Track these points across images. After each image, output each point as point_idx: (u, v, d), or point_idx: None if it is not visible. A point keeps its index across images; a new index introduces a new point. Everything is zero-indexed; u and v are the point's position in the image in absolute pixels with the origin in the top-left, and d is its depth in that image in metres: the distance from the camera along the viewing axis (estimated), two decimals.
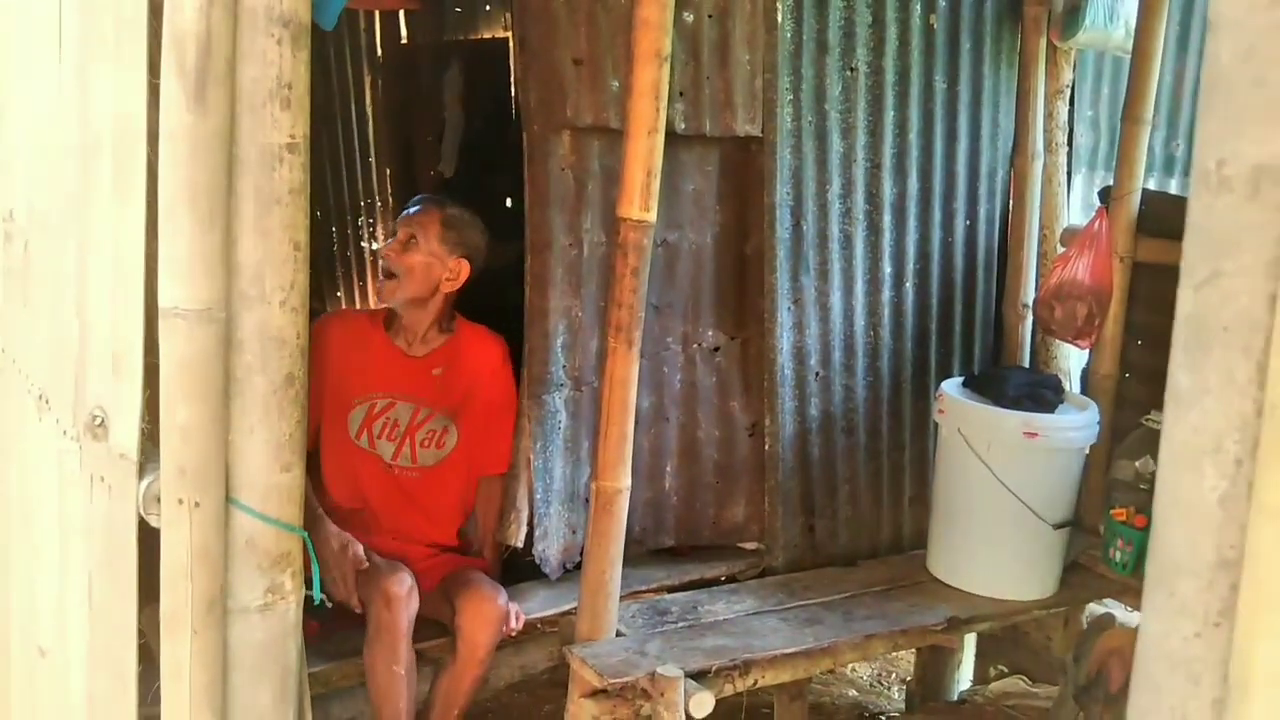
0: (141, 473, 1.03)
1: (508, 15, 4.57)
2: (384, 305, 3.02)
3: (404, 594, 2.61)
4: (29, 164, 1.30)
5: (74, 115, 1.12)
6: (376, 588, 2.61)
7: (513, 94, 4.78)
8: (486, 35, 5.13)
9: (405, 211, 2.91)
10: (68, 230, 1.14)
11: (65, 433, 1.17)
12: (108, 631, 1.10)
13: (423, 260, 2.80)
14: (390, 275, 2.83)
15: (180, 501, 1.00)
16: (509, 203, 5.40)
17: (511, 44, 4.32)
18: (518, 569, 3.05)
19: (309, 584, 1.45)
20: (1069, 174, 3.66)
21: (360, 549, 2.69)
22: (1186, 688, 0.57)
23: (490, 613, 2.70)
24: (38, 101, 1.26)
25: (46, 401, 1.25)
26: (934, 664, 3.68)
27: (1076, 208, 3.72)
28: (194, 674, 1.01)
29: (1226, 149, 0.53)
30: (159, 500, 1.01)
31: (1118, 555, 3.16)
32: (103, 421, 1.07)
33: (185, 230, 0.96)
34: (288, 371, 1.04)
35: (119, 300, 1.03)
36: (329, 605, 2.65)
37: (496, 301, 3.46)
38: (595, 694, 2.57)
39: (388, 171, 5.37)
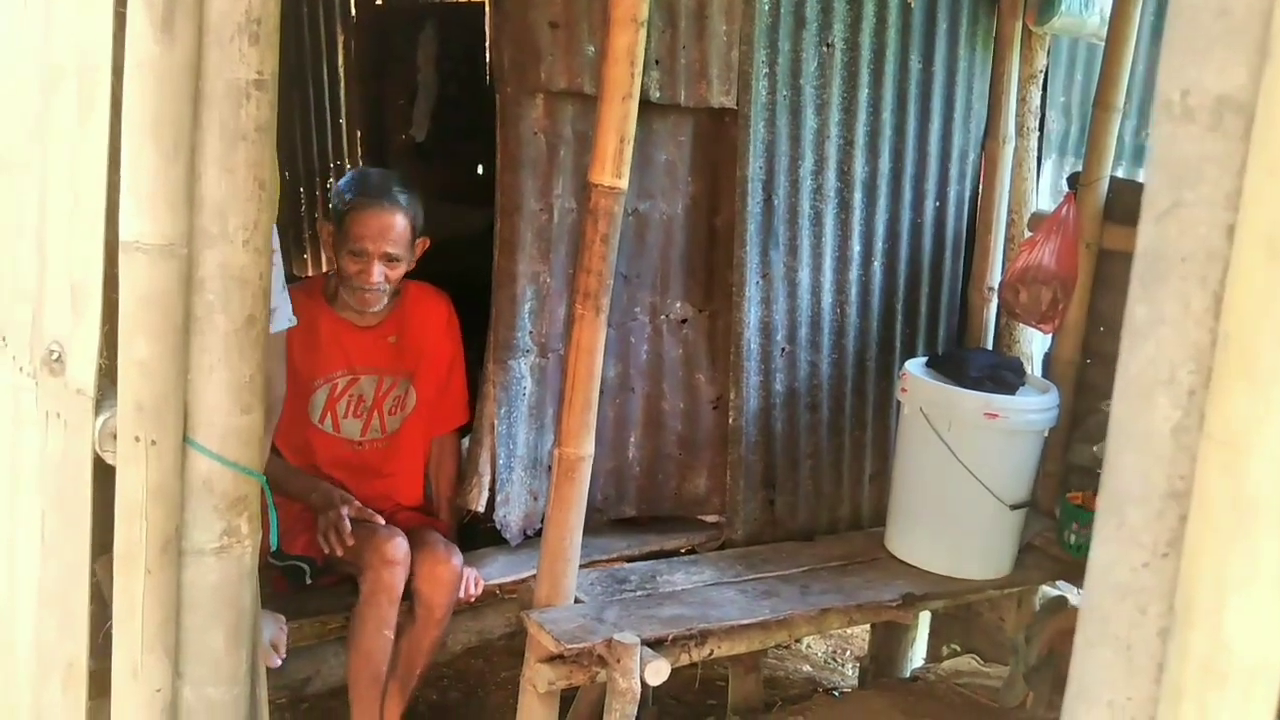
0: (98, 409, 1.01)
1: None
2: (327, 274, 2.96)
3: (401, 558, 2.61)
4: None
5: (37, 43, 1.09)
6: (375, 549, 2.59)
7: (488, 59, 4.74)
8: None
9: (358, 213, 2.68)
10: (30, 162, 1.12)
11: (21, 369, 1.15)
12: (59, 570, 1.09)
13: (405, 267, 2.75)
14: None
15: (137, 439, 0.98)
16: (480, 169, 5.37)
17: (487, 6, 4.28)
18: (478, 534, 3.05)
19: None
20: (1039, 159, 3.69)
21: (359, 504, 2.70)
22: (1134, 616, 0.58)
23: (446, 575, 2.70)
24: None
25: (3, 339, 1.23)
26: (888, 641, 3.71)
27: (1045, 193, 3.75)
28: (146, 614, 1.00)
29: (1189, 79, 0.54)
30: (115, 437, 1.00)
31: (1073, 538, 3.19)
32: (59, 356, 1.05)
33: (148, 163, 0.94)
34: (249, 312, 1.03)
35: (79, 233, 1.01)
36: (305, 570, 2.67)
37: (460, 267, 3.44)
38: (552, 659, 2.57)
39: (358, 134, 5.32)
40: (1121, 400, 0.58)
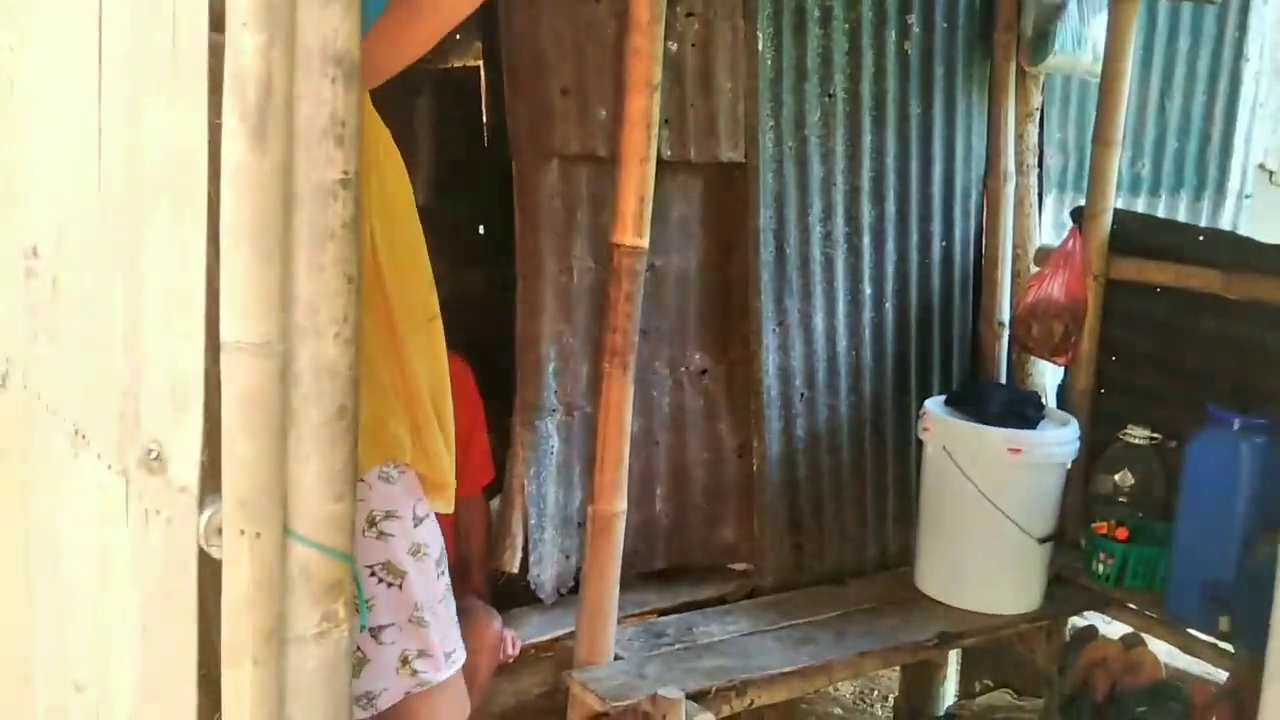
0: (201, 505, 1.04)
1: (479, 43, 4.60)
2: None
3: None
4: (58, 195, 1.31)
5: (120, 147, 1.13)
6: None
7: (484, 122, 4.80)
8: (458, 64, 5.15)
9: None
10: (114, 263, 1.15)
11: (110, 467, 1.18)
12: (163, 663, 1.11)
13: None
14: None
15: (242, 533, 1.01)
16: (481, 230, 5.41)
17: (482, 74, 4.35)
18: (511, 594, 3.06)
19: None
20: (1040, 195, 3.75)
21: None
22: None
23: (487, 638, 2.72)
24: (67, 131, 1.27)
25: (84, 437, 1.26)
26: (919, 680, 3.72)
27: (1048, 228, 3.80)
28: (254, 704, 1.02)
29: None
30: (220, 532, 1.03)
31: (1101, 568, 3.22)
32: (158, 455, 1.08)
33: (247, 265, 0.97)
34: (341, 403, 1.06)
35: (179, 334, 1.04)
36: None
37: (464, 327, 3.47)
38: (596, 717, 2.58)
39: None
40: None
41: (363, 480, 1.77)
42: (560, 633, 2.93)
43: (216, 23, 1.00)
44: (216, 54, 0.98)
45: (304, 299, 1.02)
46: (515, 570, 2.95)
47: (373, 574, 1.82)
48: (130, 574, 1.16)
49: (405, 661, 1.86)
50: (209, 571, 1.07)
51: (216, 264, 0.99)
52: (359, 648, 1.78)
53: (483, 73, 4.60)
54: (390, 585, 1.85)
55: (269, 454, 1.01)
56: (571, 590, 2.99)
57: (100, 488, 1.21)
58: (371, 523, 1.82)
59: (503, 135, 2.96)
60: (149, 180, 1.06)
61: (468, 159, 5.21)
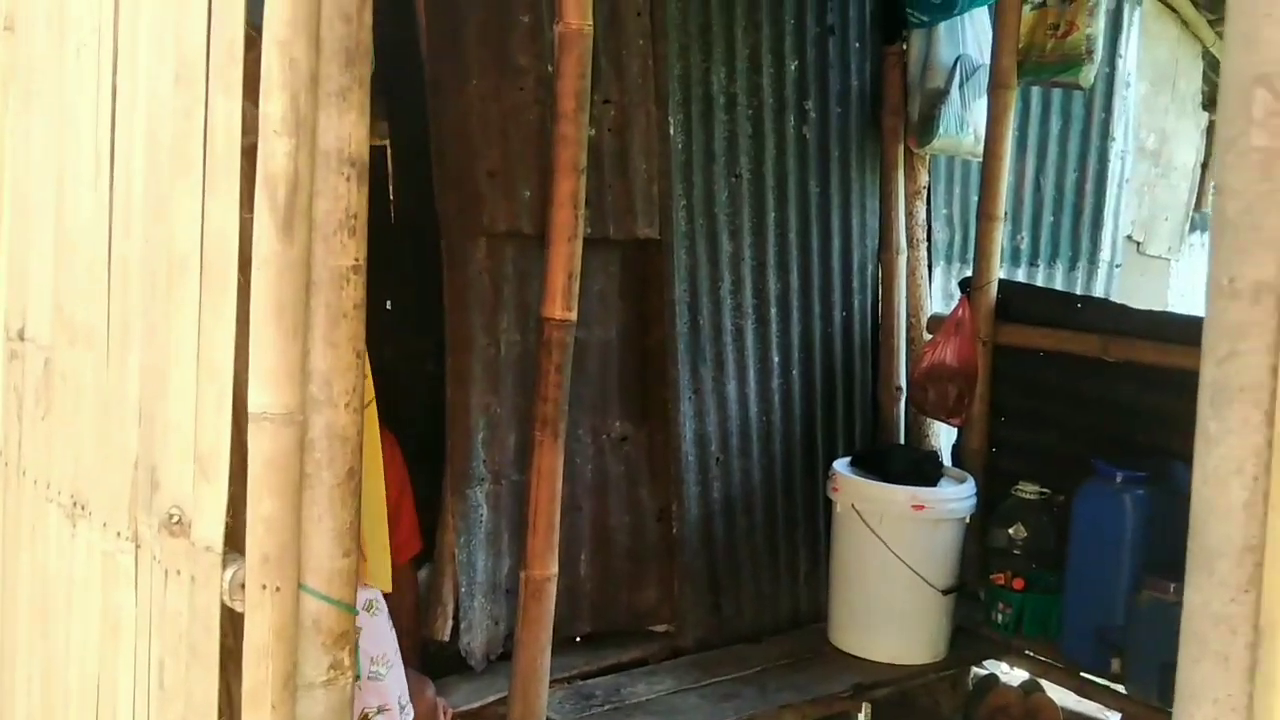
0: (224, 563, 1.13)
1: (385, 124, 4.72)
2: None
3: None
4: (59, 280, 1.39)
5: (139, 236, 1.23)
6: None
7: (390, 199, 4.89)
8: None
9: None
10: (127, 343, 1.24)
11: (119, 534, 1.25)
12: (184, 713, 1.18)
13: None
14: None
15: (264, 587, 1.10)
16: (389, 305, 5.46)
17: (389, 154, 4.46)
18: (439, 662, 3.11)
19: None
20: (930, 266, 4.00)
21: None
22: (1227, 637, 0.79)
23: (421, 706, 2.75)
24: (69, 222, 1.36)
25: (82, 507, 1.33)
26: None
27: (937, 297, 4.05)
28: None
29: (1234, 270, 0.77)
30: (242, 587, 1.11)
31: (1000, 618, 3.41)
32: (179, 519, 1.16)
33: (274, 344, 1.08)
34: (350, 466, 1.16)
35: (207, 406, 1.13)
36: None
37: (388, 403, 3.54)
38: None
39: None
40: (1203, 486, 0.81)
41: None
42: (491, 698, 2.98)
43: (244, 126, 1.11)
44: (250, 156, 1.10)
45: (319, 373, 1.13)
46: (446, 638, 3.01)
47: None
48: (141, 632, 1.24)
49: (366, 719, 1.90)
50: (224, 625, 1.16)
51: (242, 342, 1.09)
52: None
53: (389, 152, 4.71)
54: None
55: (289, 514, 1.11)
56: (501, 656, 3.06)
57: (105, 554, 1.29)
58: None
59: (411, 212, 3.08)
60: (176, 266, 1.16)
61: (373, 236, 5.28)
